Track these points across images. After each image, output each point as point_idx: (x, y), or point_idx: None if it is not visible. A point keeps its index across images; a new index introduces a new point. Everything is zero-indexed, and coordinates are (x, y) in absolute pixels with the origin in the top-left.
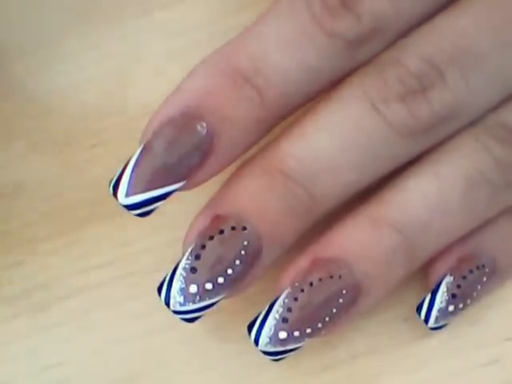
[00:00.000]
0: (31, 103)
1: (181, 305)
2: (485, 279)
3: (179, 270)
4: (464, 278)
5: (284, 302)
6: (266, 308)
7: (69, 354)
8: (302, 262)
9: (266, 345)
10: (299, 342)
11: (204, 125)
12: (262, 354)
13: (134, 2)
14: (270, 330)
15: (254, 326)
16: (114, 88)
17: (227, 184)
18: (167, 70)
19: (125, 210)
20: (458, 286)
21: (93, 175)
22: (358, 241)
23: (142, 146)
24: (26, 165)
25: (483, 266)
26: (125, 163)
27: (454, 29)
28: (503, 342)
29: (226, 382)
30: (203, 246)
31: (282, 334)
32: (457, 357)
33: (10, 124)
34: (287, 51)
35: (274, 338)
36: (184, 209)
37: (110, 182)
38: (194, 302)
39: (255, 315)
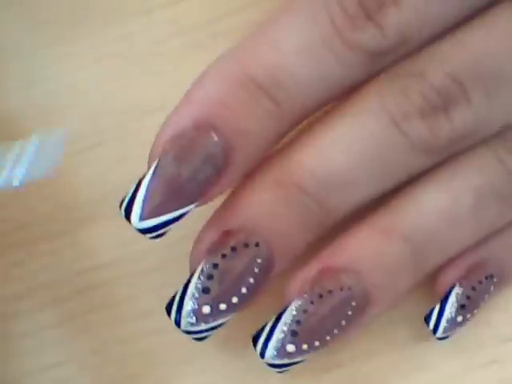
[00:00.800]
0: (30, 103)
1: (192, 325)
2: (492, 288)
3: (191, 290)
4: (473, 288)
5: (293, 315)
6: (273, 320)
7: (69, 354)
8: (311, 270)
9: (273, 358)
10: (306, 355)
11: (219, 139)
12: (267, 366)
13: (134, 2)
14: (278, 342)
15: (259, 339)
16: (114, 88)
17: (236, 195)
18: (167, 70)
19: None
20: (468, 297)
21: (93, 175)
22: (367, 251)
23: (154, 164)
24: None
25: (491, 276)
26: (136, 183)
27: (480, 47)
28: (503, 343)
29: (226, 383)
30: (215, 265)
31: (291, 348)
32: (457, 357)
33: (9, 124)
34: (307, 62)
35: (282, 351)
36: None
37: (121, 203)
38: (206, 323)
39: (256, 315)
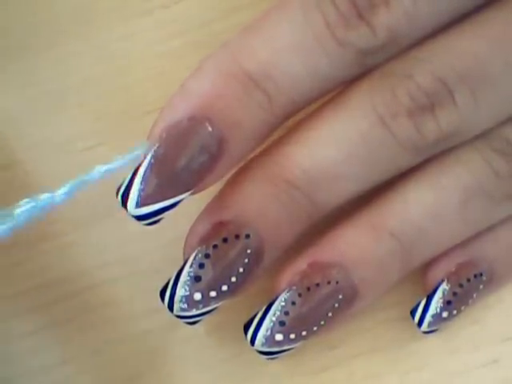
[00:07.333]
0: (30, 103)
1: (184, 310)
2: (481, 287)
3: (183, 277)
4: (461, 285)
5: (281, 306)
6: (263, 309)
7: (69, 354)
8: (300, 264)
9: (262, 345)
10: (294, 344)
11: (213, 130)
12: (258, 353)
13: (135, 2)
14: (267, 331)
15: (250, 327)
16: (114, 88)
17: (228, 189)
18: (167, 70)
19: (132, 218)
20: (454, 294)
21: None
22: (356, 246)
23: (150, 153)
24: (28, 164)
25: (481, 274)
26: (133, 172)
27: (468, 49)
28: (503, 342)
29: (225, 381)
30: (207, 255)
31: (279, 336)
32: (457, 357)
33: (10, 124)
34: (299, 58)
35: (270, 340)
36: (184, 208)
37: (118, 190)
38: (197, 309)
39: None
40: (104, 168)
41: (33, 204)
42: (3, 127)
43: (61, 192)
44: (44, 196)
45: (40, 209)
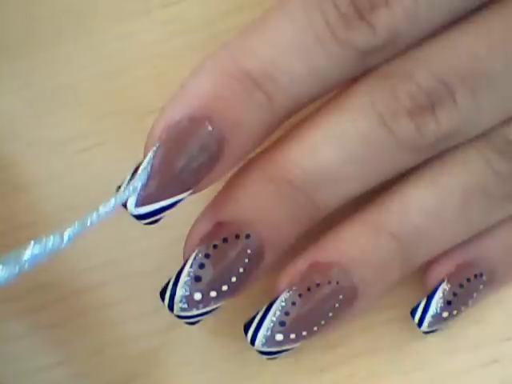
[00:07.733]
0: (31, 103)
1: (184, 310)
2: (481, 287)
3: (183, 277)
4: (461, 286)
5: (282, 306)
6: (263, 309)
7: (67, 355)
8: (301, 264)
9: (262, 345)
10: (294, 343)
11: (213, 130)
12: (258, 353)
13: (134, 2)
14: (267, 331)
15: (250, 327)
16: (114, 88)
17: (229, 188)
18: (167, 70)
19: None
20: (454, 294)
21: (93, 175)
22: (357, 246)
23: (150, 153)
24: (26, 165)
25: (481, 274)
26: (133, 171)
27: (469, 49)
28: (503, 342)
29: (225, 381)
30: (207, 255)
31: (279, 337)
32: (457, 357)
33: (9, 124)
34: (299, 58)
35: (271, 340)
36: (184, 209)
37: (118, 190)
38: (197, 309)
39: (254, 314)
40: (109, 206)
41: (40, 247)
42: (3, 127)
43: (66, 236)
44: (50, 239)
45: (47, 252)
